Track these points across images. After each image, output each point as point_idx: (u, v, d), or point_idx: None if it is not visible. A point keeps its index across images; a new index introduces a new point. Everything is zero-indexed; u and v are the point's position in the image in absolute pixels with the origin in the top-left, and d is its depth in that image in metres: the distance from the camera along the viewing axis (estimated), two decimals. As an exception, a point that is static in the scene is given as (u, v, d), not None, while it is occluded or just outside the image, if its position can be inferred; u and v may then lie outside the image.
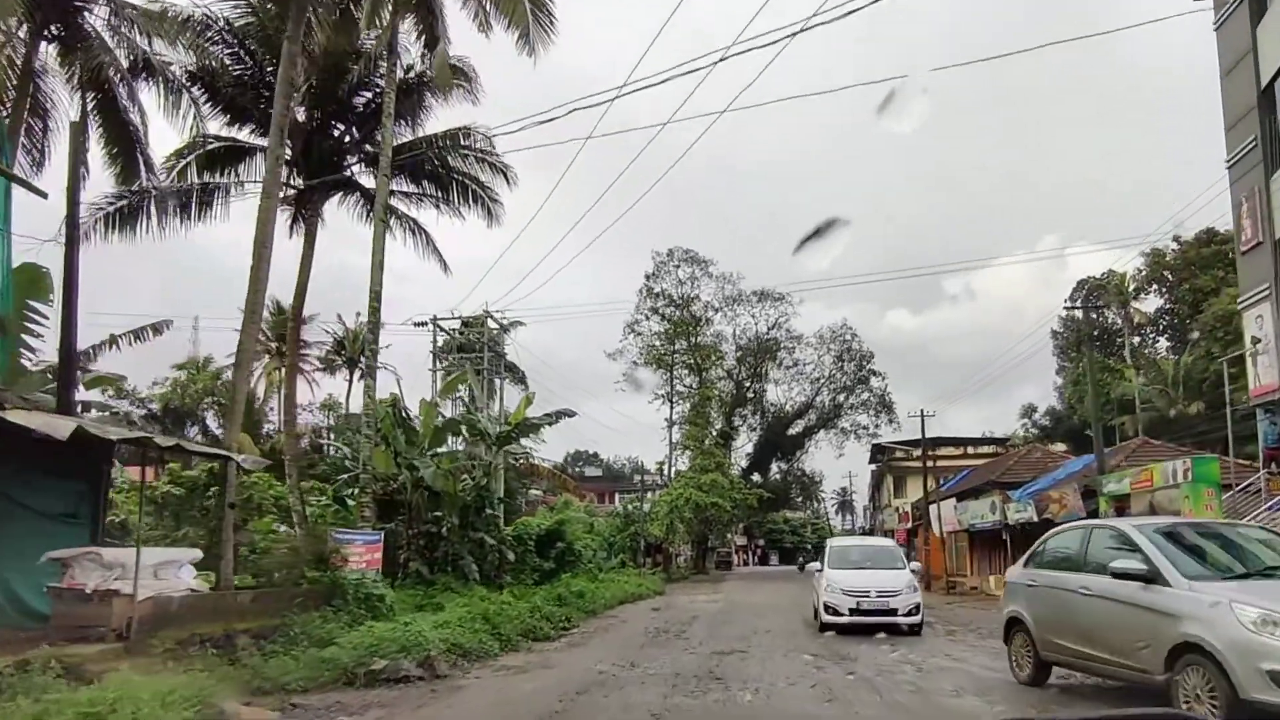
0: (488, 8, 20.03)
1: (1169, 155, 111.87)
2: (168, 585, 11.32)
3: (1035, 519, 26.82)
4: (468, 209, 25.76)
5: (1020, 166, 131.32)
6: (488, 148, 24.86)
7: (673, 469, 56.18)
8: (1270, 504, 17.66)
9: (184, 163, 23.30)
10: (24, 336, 14.50)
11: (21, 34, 17.54)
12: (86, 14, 18.52)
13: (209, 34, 20.48)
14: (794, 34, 12.43)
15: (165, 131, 23.24)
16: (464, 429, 24.55)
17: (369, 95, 23.67)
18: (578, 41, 29.80)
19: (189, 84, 21.22)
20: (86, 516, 12.75)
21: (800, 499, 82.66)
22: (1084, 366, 68.10)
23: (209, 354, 46.60)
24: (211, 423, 43.70)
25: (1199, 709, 6.89)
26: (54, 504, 12.10)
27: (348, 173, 24.71)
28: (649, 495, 57.50)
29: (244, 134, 23.46)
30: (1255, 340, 17.99)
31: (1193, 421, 53.78)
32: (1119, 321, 73.39)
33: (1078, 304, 73.53)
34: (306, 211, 24.00)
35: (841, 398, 66.08)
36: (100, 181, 20.40)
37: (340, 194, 25.08)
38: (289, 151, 23.33)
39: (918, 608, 16.61)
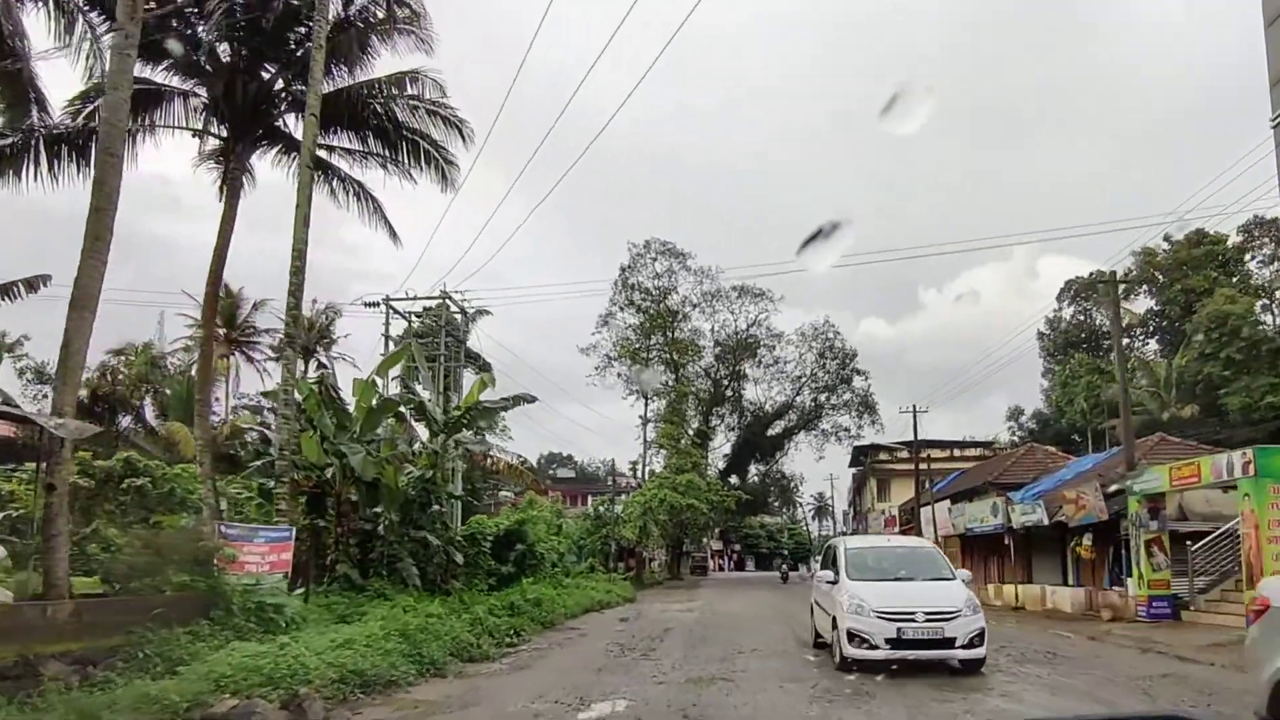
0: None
1: (1148, 165, 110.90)
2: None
3: (1045, 521, 24.30)
4: (419, 171, 22.83)
5: (998, 173, 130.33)
6: (440, 98, 21.99)
7: (647, 469, 53.33)
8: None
9: (91, 107, 20.27)
10: None
11: None
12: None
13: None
14: None
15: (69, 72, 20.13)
16: (407, 412, 21.59)
17: (304, 31, 20.76)
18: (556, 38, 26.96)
19: (86, 6, 18.24)
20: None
21: (777, 504, 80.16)
22: (1070, 369, 66.60)
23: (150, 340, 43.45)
24: (150, 412, 40.48)
25: None
26: None
27: (279, 123, 21.76)
28: (621, 497, 54.65)
29: (158, 75, 20.45)
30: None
31: (1186, 425, 51.55)
32: (1106, 323, 71.54)
33: (1065, 304, 72.74)
34: (231, 165, 21.00)
35: (823, 397, 63.62)
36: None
37: (272, 148, 22.11)
38: (207, 93, 20.49)
39: (981, 635, 11.53)
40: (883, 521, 45.46)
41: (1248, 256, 62.95)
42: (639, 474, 52.50)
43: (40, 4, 17.38)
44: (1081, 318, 72.29)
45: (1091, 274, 67.77)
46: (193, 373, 41.79)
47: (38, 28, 17.72)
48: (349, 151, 22.69)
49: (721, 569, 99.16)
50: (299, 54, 21.08)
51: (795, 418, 64.64)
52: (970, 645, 11.35)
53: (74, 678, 8.39)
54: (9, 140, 18.15)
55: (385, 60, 21.65)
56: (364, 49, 21.62)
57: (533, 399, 23.24)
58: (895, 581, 12.57)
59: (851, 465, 70.37)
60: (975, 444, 63.59)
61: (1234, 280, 60.10)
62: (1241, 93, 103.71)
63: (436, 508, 21.58)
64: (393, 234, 23.82)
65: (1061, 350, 70.04)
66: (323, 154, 22.58)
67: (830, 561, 13.86)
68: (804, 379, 62.62)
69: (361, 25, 21.04)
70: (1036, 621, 21.96)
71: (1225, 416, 53.32)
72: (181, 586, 10.95)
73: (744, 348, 61.61)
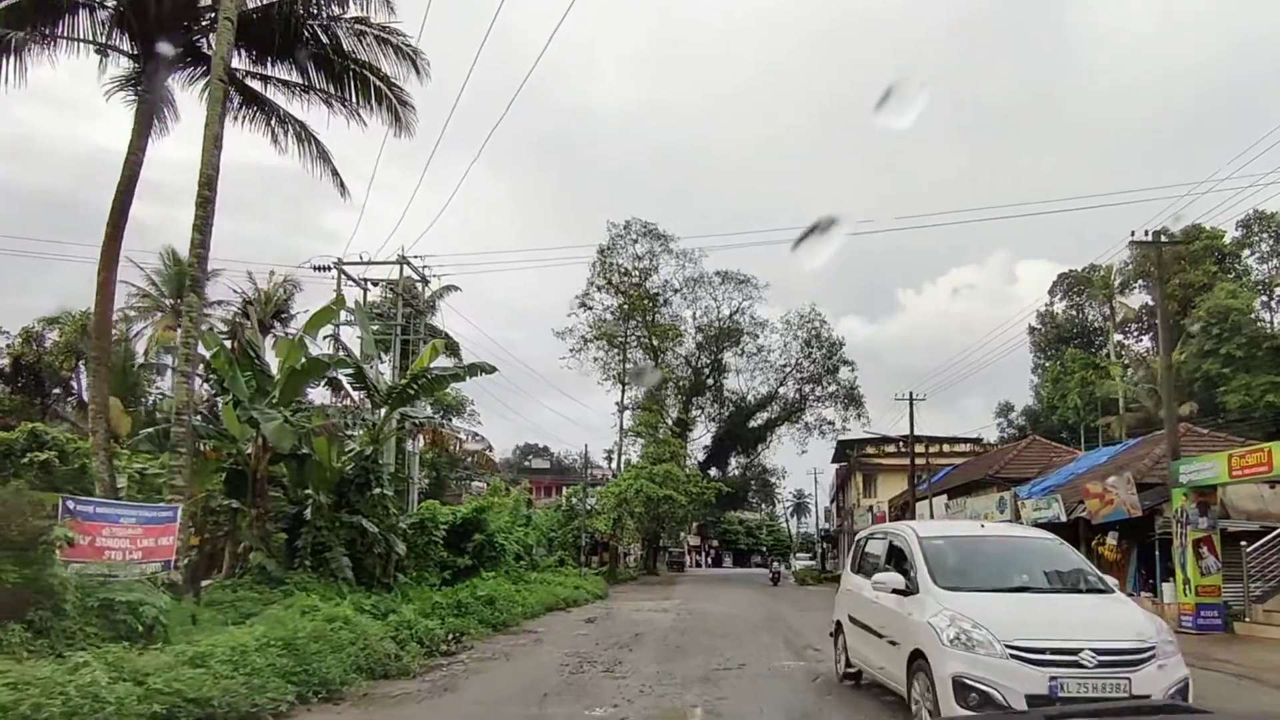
0: None
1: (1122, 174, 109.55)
2: None
3: (1063, 518, 21.82)
4: (369, 111, 20.02)
5: (975, 179, 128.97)
6: (390, 21, 19.16)
7: (622, 458, 50.61)
8: None
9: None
10: None
11: None
12: None
13: None
14: None
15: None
16: (346, 380, 18.79)
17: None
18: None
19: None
20: None
21: (756, 500, 77.75)
22: (1063, 364, 64.48)
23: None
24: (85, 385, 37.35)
25: None
26: None
27: (202, 44, 18.83)
28: (596, 488, 51.94)
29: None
30: None
31: (1183, 423, 49.10)
32: (1099, 319, 69.64)
33: (1057, 298, 70.64)
34: (142, 88, 18.06)
35: (808, 389, 61.15)
36: None
37: (192, 71, 19.21)
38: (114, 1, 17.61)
39: (1185, 690, 6.93)
40: (870, 518, 43.01)
41: (1246, 252, 61.06)
42: (615, 464, 49.80)
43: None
44: (1074, 313, 70.25)
45: (1085, 268, 66.02)
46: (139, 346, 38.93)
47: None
48: (287, 84, 19.82)
49: (699, 565, 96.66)
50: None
51: (778, 409, 62.20)
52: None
53: None
54: None
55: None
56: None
57: (491, 369, 20.45)
58: (1019, 594, 7.83)
59: (835, 460, 68.00)
60: (965, 440, 61.32)
61: (1230, 276, 58.32)
62: (1211, 101, 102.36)
63: (378, 490, 18.80)
64: (340, 185, 20.97)
65: (1053, 346, 67.97)
66: (256, 85, 19.77)
67: (892, 559, 8.88)
68: (789, 369, 60.15)
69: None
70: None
71: (1222, 415, 51.18)
72: (-13, 578, 8.16)
73: (726, 335, 59.08)
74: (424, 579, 21.90)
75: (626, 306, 51.71)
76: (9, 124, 79.09)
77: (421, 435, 20.80)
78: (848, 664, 9.97)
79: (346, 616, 10.65)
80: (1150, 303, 63.36)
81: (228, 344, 16.69)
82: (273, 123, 20.01)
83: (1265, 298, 57.77)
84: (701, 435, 62.57)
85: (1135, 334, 65.73)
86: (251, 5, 18.08)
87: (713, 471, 60.45)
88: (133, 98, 18.47)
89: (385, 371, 22.87)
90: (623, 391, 51.67)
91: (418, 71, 19.54)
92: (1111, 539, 20.00)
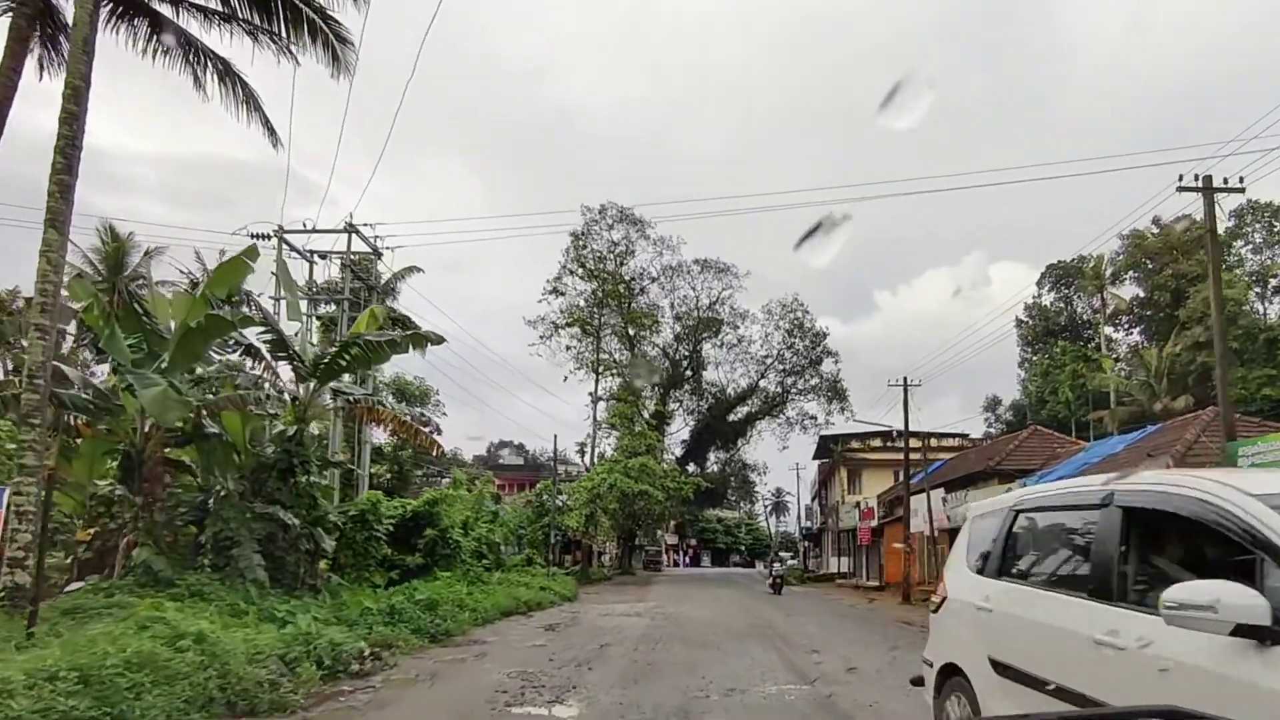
0: None
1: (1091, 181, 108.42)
2: None
3: (1085, 511, 19.42)
4: (302, 49, 17.32)
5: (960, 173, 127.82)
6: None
7: (596, 452, 47.94)
8: None
9: None
10: None
11: None
12: None
13: None
14: None
15: None
16: (264, 347, 16.06)
17: None
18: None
19: None
20: None
21: (735, 498, 75.41)
22: (1053, 357, 62.53)
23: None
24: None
25: None
26: None
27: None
28: (566, 483, 49.33)
29: None
30: None
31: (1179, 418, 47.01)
32: (1088, 312, 67.81)
33: (1045, 290, 68.70)
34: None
35: (790, 381, 58.85)
36: None
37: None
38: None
39: None
40: (857, 514, 40.73)
41: (1239, 243, 59.33)
42: (588, 457, 47.17)
43: None
44: (1062, 305, 68.34)
45: (1074, 258, 64.08)
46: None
47: None
48: (203, 10, 17.09)
49: (677, 564, 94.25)
50: None
51: (759, 403, 59.90)
52: None
53: None
54: None
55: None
56: None
57: (439, 339, 17.78)
58: None
59: (817, 457, 65.73)
60: (952, 435, 59.24)
61: (1222, 268, 56.61)
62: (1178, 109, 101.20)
63: (304, 478, 16.12)
64: (270, 131, 18.24)
65: (1041, 339, 66.04)
66: (166, 10, 17.02)
67: (1174, 552, 4.22)
68: (770, 359, 57.82)
69: None
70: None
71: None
72: None
73: (706, 325, 56.67)
74: (364, 579, 19.29)
75: (601, 293, 49.08)
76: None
77: (378, 423, 18.03)
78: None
79: (201, 632, 7.94)
80: (1141, 294, 61.71)
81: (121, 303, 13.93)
82: (191, 59, 17.27)
83: (1259, 288, 55.95)
84: (679, 429, 60.23)
85: (1126, 326, 63.96)
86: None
87: (691, 467, 58.04)
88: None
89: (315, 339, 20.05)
90: (596, 381, 49.10)
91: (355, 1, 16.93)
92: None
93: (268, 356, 16.42)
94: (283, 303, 16.77)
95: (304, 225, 25.90)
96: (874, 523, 38.41)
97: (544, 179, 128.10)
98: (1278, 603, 3.12)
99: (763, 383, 59.27)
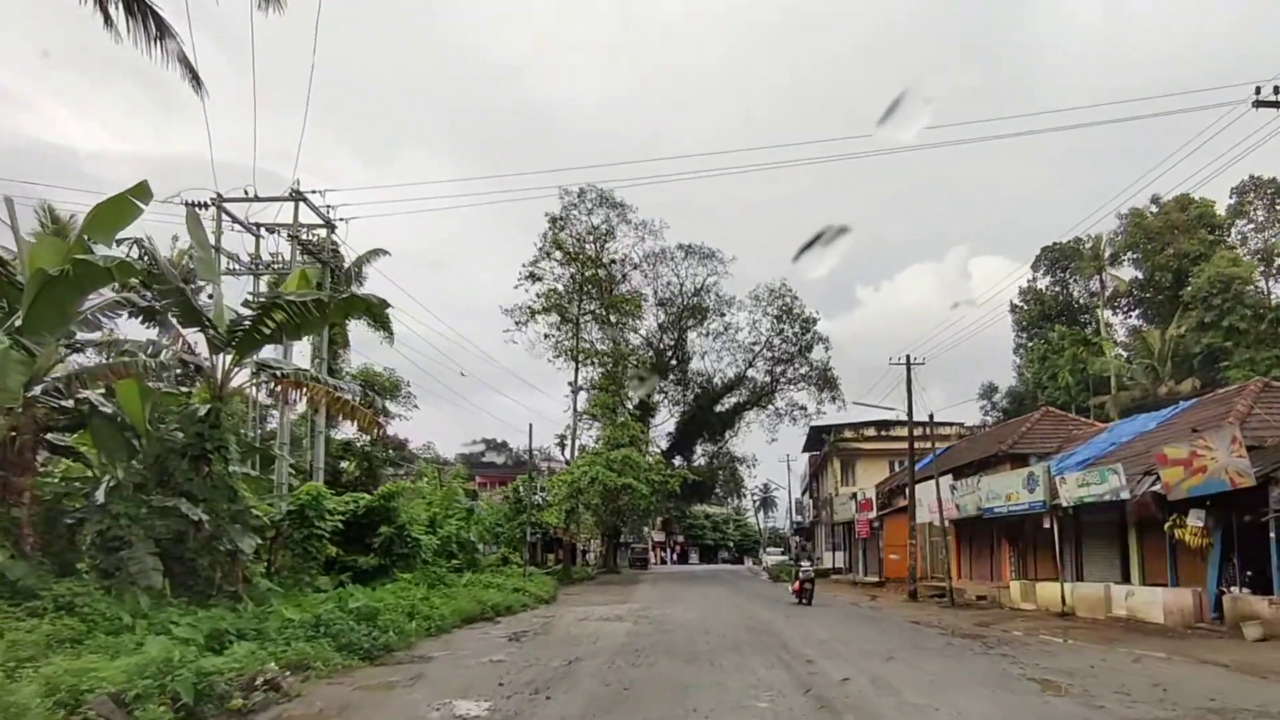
0: None
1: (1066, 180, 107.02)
2: None
3: (1125, 494, 17.17)
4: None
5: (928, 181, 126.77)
6: None
7: (577, 444, 45.44)
8: None
9: None
10: None
11: None
12: None
13: None
14: None
15: None
16: (169, 310, 13.51)
17: None
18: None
19: None
20: None
21: (722, 493, 73.08)
22: (1052, 341, 60.44)
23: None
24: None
25: None
26: None
27: None
28: (541, 477, 46.95)
29: None
30: None
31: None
32: (1083, 295, 65.80)
33: (1040, 273, 66.57)
34: None
35: (779, 370, 56.52)
36: None
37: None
38: None
39: None
40: (855, 505, 38.45)
41: (1241, 221, 57.38)
42: (568, 450, 44.72)
43: None
44: (1058, 289, 66.23)
45: (1070, 240, 61.97)
46: None
47: None
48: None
49: (664, 562, 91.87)
50: None
51: (747, 393, 57.57)
52: None
53: None
54: None
55: None
56: None
57: (384, 303, 15.30)
58: None
59: (807, 450, 63.47)
60: (948, 423, 57.08)
61: (1224, 245, 54.73)
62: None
63: (221, 467, 13.61)
64: (194, 78, 15.68)
65: (1037, 324, 63.93)
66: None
67: None
68: (758, 347, 55.47)
69: None
70: (1108, 636, 14.79)
71: (1227, 392, 46.72)
72: None
73: (690, 312, 54.30)
74: (304, 584, 16.79)
75: (580, 277, 46.54)
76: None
77: (310, 399, 15.48)
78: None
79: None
80: (1140, 276, 59.70)
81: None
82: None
83: (1264, 267, 53.94)
84: (665, 421, 57.83)
85: (1125, 309, 61.95)
86: None
87: (677, 461, 55.67)
88: None
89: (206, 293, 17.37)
90: (576, 370, 46.57)
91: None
92: (1195, 519, 15.36)
93: (175, 324, 13.86)
94: (197, 261, 14.17)
95: (245, 193, 23.34)
96: (872, 514, 36.12)
97: (527, 177, 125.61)
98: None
99: (750, 372, 57.04)
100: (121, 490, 12.19)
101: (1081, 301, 64.90)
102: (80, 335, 13.56)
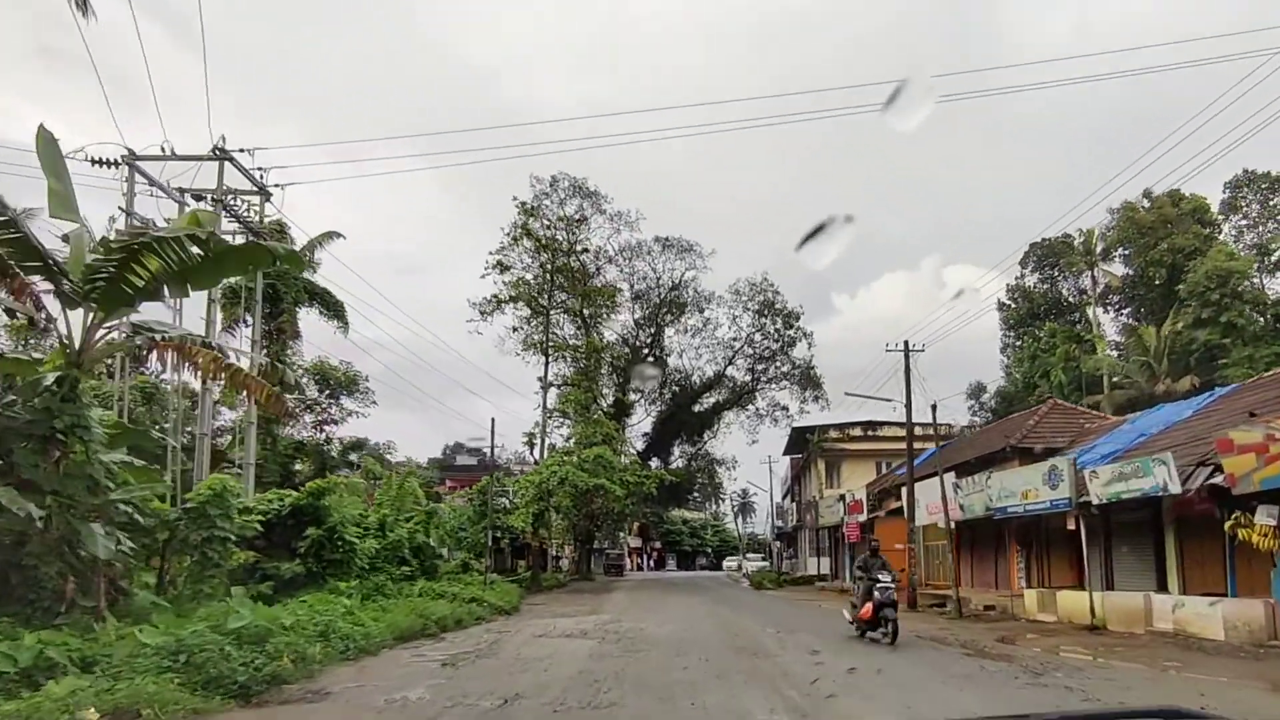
0: None
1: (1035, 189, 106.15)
2: None
3: (1175, 488, 14.70)
4: None
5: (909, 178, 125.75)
6: None
7: (546, 443, 42.64)
8: None
9: None
10: None
11: None
12: None
13: None
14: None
15: None
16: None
17: None
18: None
19: None
20: None
21: (700, 497, 70.53)
22: (1043, 340, 58.45)
23: None
24: None
25: None
26: None
27: None
28: (509, 478, 44.18)
29: None
30: None
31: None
32: (1073, 294, 63.91)
33: (1028, 270, 64.56)
34: None
35: (760, 368, 54.02)
36: None
37: None
38: None
39: None
40: (843, 508, 35.96)
41: (1237, 216, 55.67)
42: (537, 450, 41.92)
43: None
44: (1046, 286, 64.28)
45: (1059, 236, 60.01)
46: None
47: None
48: None
49: (640, 568, 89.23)
50: None
51: (726, 392, 55.04)
52: None
53: None
54: None
55: None
56: None
57: (296, 255, 12.60)
58: None
59: (788, 452, 60.98)
60: (936, 424, 54.71)
61: (1217, 241, 53.02)
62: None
63: (83, 451, 10.85)
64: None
65: (1025, 322, 61.91)
66: None
67: None
68: (739, 343, 52.94)
69: None
70: (1163, 656, 12.30)
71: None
72: None
73: (668, 307, 51.74)
74: (203, 595, 13.97)
75: (551, 266, 43.78)
76: None
77: (194, 368, 12.56)
78: None
79: None
80: (1130, 273, 57.82)
81: None
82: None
83: (1259, 262, 52.11)
84: (641, 420, 55.19)
85: (1117, 306, 60.01)
86: None
87: (654, 463, 52.99)
88: None
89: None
90: (546, 365, 43.77)
91: None
92: (1266, 517, 12.90)
93: (19, 272, 11.05)
94: (50, 195, 11.34)
95: (162, 150, 20.47)
96: (863, 517, 33.63)
97: (503, 180, 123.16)
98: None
99: (730, 369, 54.48)
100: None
101: (1070, 300, 63.07)
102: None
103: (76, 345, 11.04)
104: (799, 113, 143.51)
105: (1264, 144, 66.23)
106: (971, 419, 60.60)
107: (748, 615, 22.13)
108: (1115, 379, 52.29)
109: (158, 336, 11.76)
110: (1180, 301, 49.48)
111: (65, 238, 11.46)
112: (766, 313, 52.10)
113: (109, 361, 19.43)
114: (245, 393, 11.97)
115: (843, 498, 36.71)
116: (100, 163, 20.09)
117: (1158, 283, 54.58)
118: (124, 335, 11.94)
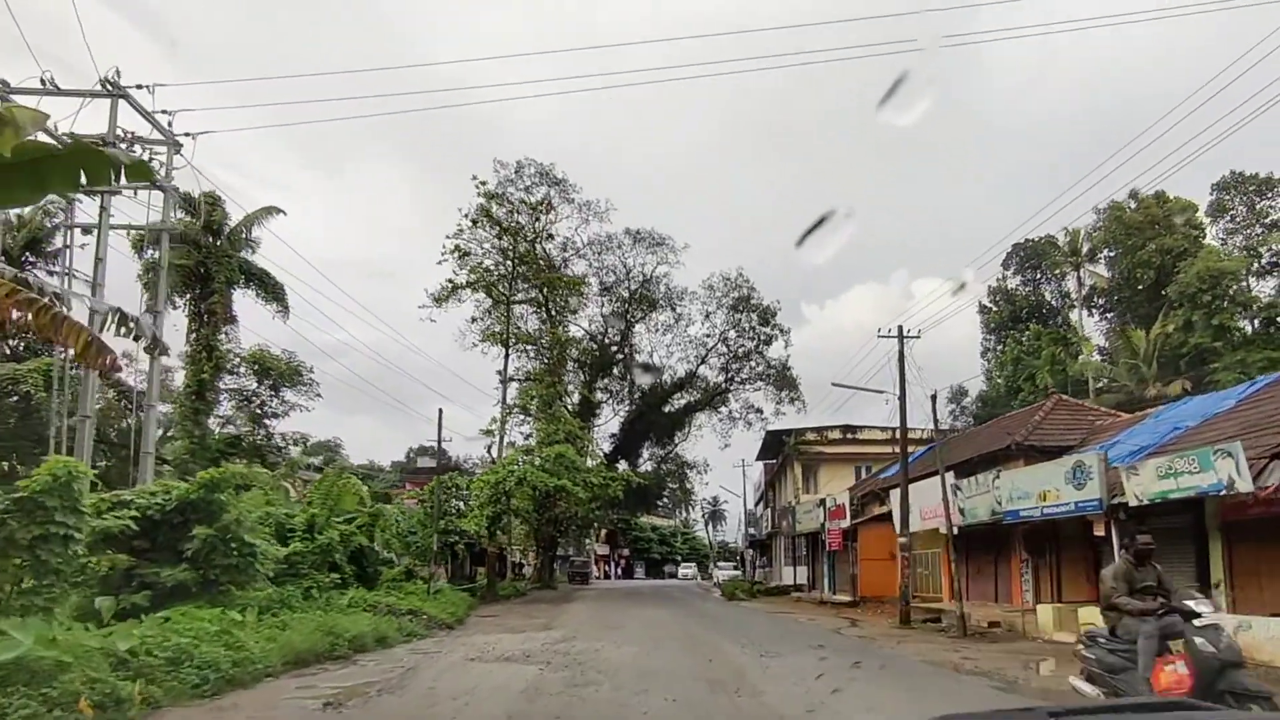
0: None
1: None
2: None
3: (1245, 485, 12.15)
4: None
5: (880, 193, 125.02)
6: None
7: (505, 440, 39.67)
8: None
9: None
10: None
11: None
12: None
13: None
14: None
15: None
16: None
17: None
18: None
19: None
20: None
21: (670, 503, 67.68)
22: (1026, 342, 56.41)
23: None
24: None
25: None
26: None
27: None
28: (461, 475, 41.20)
29: None
30: None
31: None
32: (1056, 297, 62.07)
33: (1010, 272, 62.57)
34: None
35: (735, 367, 51.34)
36: None
37: None
38: None
39: None
40: (823, 514, 33.34)
41: (1224, 219, 53.99)
42: (495, 448, 38.95)
43: None
44: (1028, 289, 62.39)
45: (1042, 238, 58.11)
46: None
47: None
48: None
49: (608, 575, 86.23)
50: None
51: (698, 392, 52.29)
52: None
53: None
54: None
55: None
56: None
57: (144, 166, 9.74)
58: None
59: (762, 457, 58.42)
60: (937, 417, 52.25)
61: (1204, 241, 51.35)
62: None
63: None
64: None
65: (1007, 325, 59.86)
66: None
67: None
68: (712, 340, 50.25)
69: None
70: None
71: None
72: None
73: (638, 302, 48.96)
74: (35, 608, 10.96)
75: (513, 253, 40.82)
76: None
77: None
78: None
79: None
80: (1116, 275, 55.96)
81: None
82: None
83: (1250, 264, 50.34)
84: (609, 420, 52.33)
85: (1102, 308, 58.11)
86: None
87: (622, 465, 50.10)
88: None
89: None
90: (506, 357, 40.80)
91: None
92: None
93: None
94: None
95: (43, 82, 17.40)
96: (846, 523, 31.03)
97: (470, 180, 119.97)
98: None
99: (703, 369, 51.74)
100: None
101: (1054, 304, 61.24)
102: None
103: None
104: (766, 128, 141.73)
105: (1252, 145, 64.93)
106: (953, 423, 58.45)
107: (722, 632, 19.36)
108: (1101, 383, 50.44)
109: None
110: (1170, 303, 47.61)
111: None
112: (742, 308, 49.46)
113: None
114: (63, 341, 8.96)
115: (823, 502, 34.08)
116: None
117: (1142, 286, 52.83)
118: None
